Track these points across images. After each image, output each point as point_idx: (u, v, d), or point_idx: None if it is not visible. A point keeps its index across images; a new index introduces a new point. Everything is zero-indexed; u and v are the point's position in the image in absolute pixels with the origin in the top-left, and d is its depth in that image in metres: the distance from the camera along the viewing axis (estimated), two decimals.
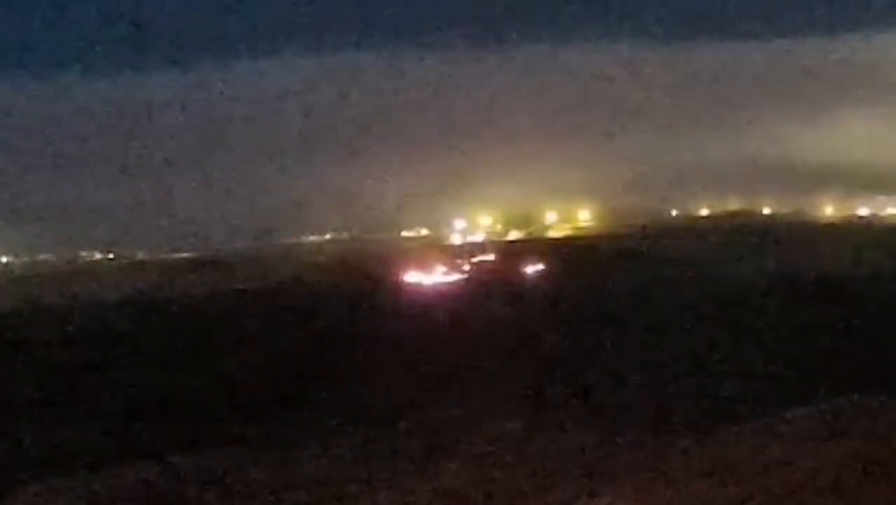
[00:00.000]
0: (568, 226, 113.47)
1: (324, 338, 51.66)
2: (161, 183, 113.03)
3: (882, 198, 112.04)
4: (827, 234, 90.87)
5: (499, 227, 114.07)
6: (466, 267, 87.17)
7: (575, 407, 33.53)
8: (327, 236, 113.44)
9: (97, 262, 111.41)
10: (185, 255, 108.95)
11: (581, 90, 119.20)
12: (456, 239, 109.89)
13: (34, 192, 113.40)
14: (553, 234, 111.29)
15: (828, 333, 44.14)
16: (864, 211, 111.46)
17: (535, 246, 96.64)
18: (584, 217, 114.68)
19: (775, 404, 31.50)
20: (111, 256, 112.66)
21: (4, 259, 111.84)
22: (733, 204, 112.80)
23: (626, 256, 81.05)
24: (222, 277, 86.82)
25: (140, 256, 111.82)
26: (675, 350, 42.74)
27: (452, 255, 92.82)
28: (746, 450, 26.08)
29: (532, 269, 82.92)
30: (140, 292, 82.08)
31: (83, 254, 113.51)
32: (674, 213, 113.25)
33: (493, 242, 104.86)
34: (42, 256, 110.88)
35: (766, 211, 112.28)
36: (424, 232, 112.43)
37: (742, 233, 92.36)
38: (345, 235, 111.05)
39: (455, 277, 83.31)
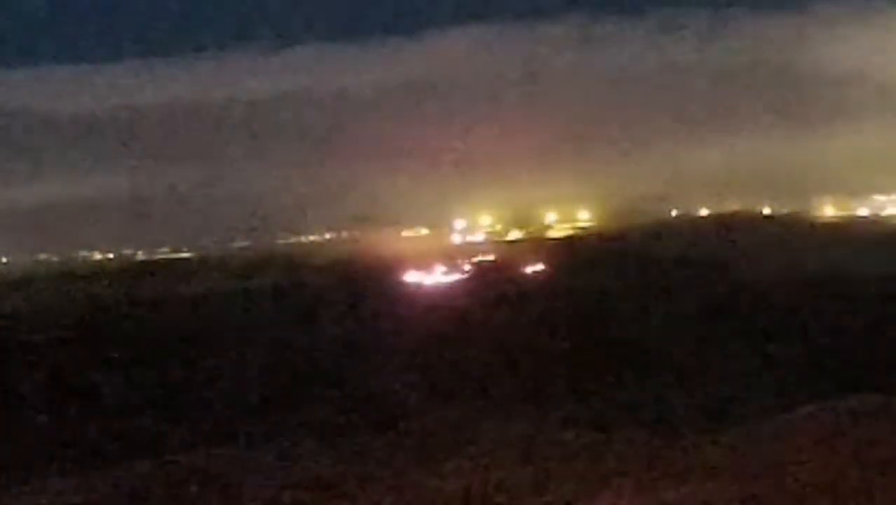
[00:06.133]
0: (568, 226, 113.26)
1: (324, 338, 51.61)
2: (161, 183, 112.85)
3: (882, 198, 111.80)
4: (827, 234, 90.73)
5: (499, 227, 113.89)
6: (466, 267, 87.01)
7: (575, 407, 33.55)
8: (327, 236, 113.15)
9: (97, 262, 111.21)
10: (185, 255, 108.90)
11: (581, 90, 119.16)
12: (456, 239, 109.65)
13: (34, 192, 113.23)
14: (553, 234, 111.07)
15: (828, 333, 44.11)
16: (864, 211, 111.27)
17: (535, 246, 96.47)
18: (584, 217, 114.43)
19: (776, 404, 31.51)
20: (111, 255, 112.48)
21: (4, 259, 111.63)
22: (733, 204, 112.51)
23: (626, 256, 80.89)
24: (222, 277, 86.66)
25: (140, 256, 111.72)
26: (675, 350, 42.74)
27: (452, 255, 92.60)
28: (746, 450, 26.07)
29: (532, 269, 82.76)
30: (140, 292, 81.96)
31: (83, 254, 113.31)
32: (674, 213, 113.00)
33: (493, 242, 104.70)
34: (42, 256, 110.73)
35: (766, 211, 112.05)
36: (424, 232, 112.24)
37: (742, 233, 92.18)
38: (345, 235, 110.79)
39: (455, 276, 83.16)
